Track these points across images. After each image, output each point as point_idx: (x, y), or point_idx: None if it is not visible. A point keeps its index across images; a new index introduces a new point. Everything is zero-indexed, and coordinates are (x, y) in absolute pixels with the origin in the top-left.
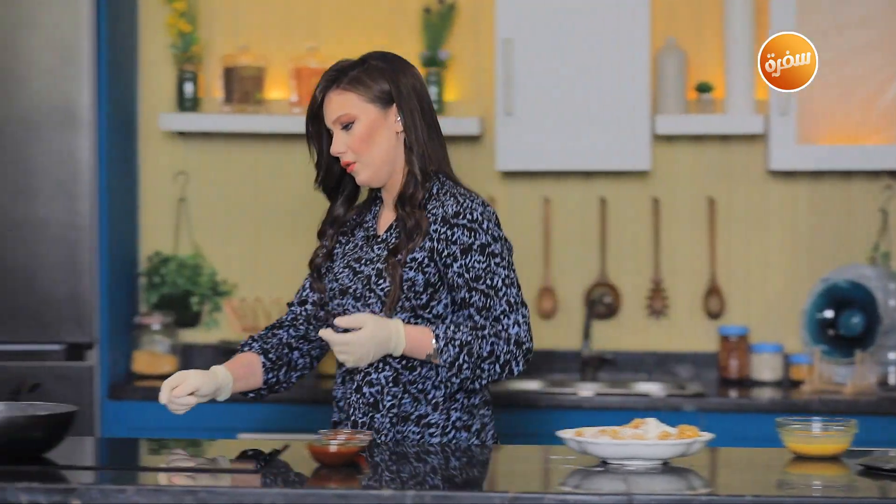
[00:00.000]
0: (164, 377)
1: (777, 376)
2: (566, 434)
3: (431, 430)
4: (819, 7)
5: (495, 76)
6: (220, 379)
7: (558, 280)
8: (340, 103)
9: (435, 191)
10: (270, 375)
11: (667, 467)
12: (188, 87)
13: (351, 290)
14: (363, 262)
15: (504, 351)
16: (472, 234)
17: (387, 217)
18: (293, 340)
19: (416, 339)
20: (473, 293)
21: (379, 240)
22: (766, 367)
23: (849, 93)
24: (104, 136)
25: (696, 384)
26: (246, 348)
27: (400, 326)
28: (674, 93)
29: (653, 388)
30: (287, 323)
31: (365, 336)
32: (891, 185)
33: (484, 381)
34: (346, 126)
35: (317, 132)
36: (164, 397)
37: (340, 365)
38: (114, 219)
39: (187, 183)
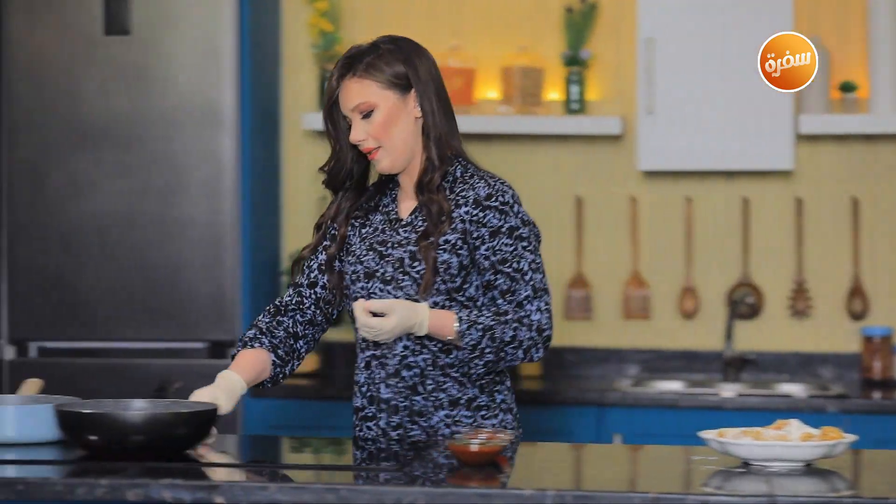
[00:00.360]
0: (307, 375)
1: None
2: (708, 435)
3: (483, 413)
4: None
5: (637, 75)
6: (239, 392)
7: (700, 280)
8: (359, 91)
9: (459, 174)
10: (278, 370)
11: (809, 469)
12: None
13: (378, 274)
14: (390, 245)
15: (527, 337)
16: (503, 216)
17: (407, 201)
18: (299, 327)
19: (438, 321)
20: (499, 276)
21: (403, 223)
22: None
23: None
24: (247, 136)
25: (839, 385)
26: (256, 344)
27: (426, 310)
28: (817, 92)
29: (795, 390)
30: (293, 307)
31: (393, 323)
32: None
33: (504, 366)
34: (366, 114)
35: (329, 121)
36: None
37: (364, 349)
38: (256, 217)
39: None
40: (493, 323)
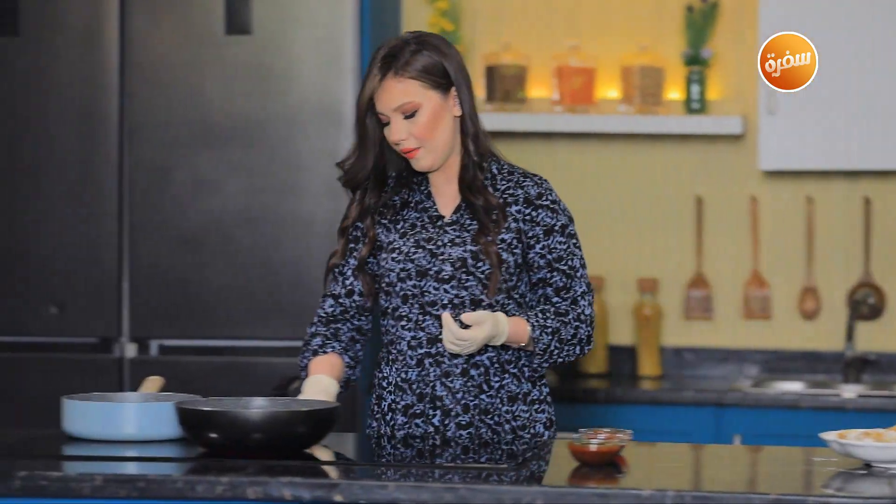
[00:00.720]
0: None
1: None
2: (829, 436)
3: (537, 407)
4: None
5: (758, 74)
6: (335, 394)
7: (821, 280)
8: (403, 91)
9: (496, 170)
10: (350, 373)
11: None
12: None
13: (433, 272)
14: (441, 243)
15: (584, 333)
16: (554, 215)
17: (445, 198)
18: (354, 333)
19: (515, 329)
20: (554, 273)
21: (448, 222)
22: None
23: None
24: None
25: None
26: (328, 349)
27: (506, 320)
28: None
29: None
30: (339, 317)
31: (484, 335)
32: None
33: (563, 362)
34: (409, 114)
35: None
36: None
37: (415, 347)
38: None
39: None
40: (558, 325)
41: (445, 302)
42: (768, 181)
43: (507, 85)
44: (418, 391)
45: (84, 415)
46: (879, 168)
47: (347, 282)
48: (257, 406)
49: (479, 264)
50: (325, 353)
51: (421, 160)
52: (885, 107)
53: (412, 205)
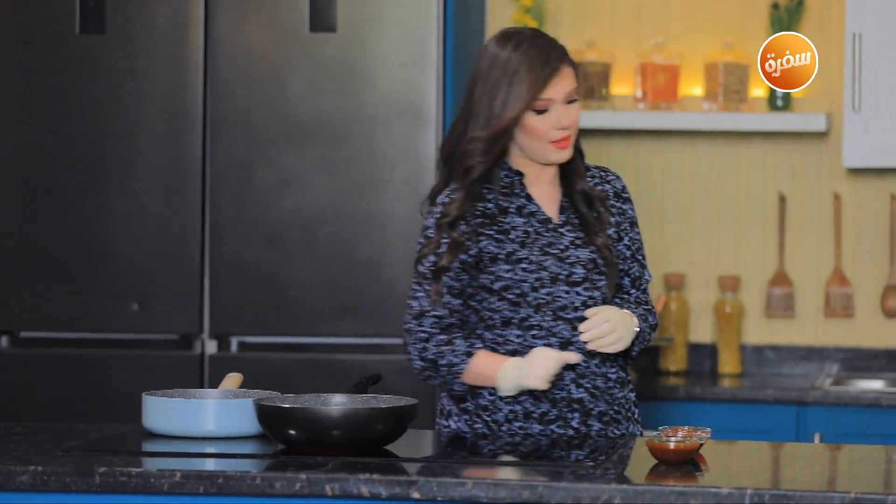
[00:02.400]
0: None
1: None
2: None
3: (630, 387)
4: None
5: (843, 71)
6: None
7: None
8: (572, 78)
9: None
10: None
11: None
12: None
13: (563, 277)
14: (563, 247)
15: (654, 320)
16: (633, 207)
17: (545, 199)
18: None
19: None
20: (633, 264)
21: (559, 224)
22: None
23: None
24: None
25: None
26: (479, 345)
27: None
28: None
29: None
30: (455, 324)
31: (614, 312)
32: None
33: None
34: (570, 100)
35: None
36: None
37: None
38: None
39: None
40: (643, 312)
41: (578, 304)
42: (852, 179)
43: (590, 82)
44: (552, 397)
45: (164, 411)
46: None
47: (445, 300)
48: (336, 403)
49: (605, 263)
50: (475, 348)
51: (570, 150)
52: None
53: (513, 210)
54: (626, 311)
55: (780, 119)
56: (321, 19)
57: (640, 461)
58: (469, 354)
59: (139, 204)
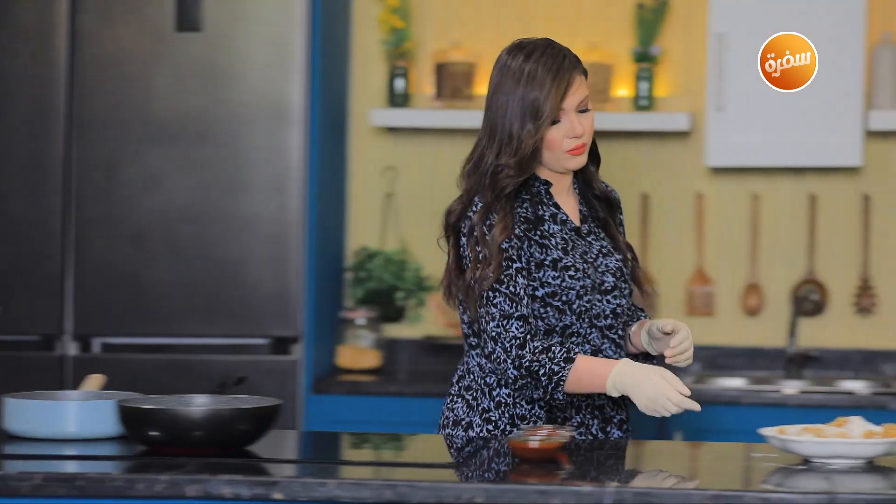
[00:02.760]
0: (367, 372)
1: None
2: (768, 432)
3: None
4: None
5: (707, 71)
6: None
7: (765, 277)
8: (584, 87)
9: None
10: None
11: (871, 467)
12: (399, 83)
13: (596, 285)
14: (593, 255)
15: None
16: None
17: (568, 207)
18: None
19: None
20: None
21: (585, 231)
22: None
23: None
24: (315, 132)
25: None
26: (576, 349)
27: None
28: (888, 88)
29: (858, 387)
30: (543, 335)
31: (688, 333)
32: None
33: None
34: (583, 109)
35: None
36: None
37: None
38: (322, 214)
39: (396, 178)
40: None
41: (608, 312)
42: (715, 178)
43: (456, 82)
44: (577, 403)
45: (24, 413)
46: (825, 165)
47: (525, 301)
48: (199, 404)
49: (627, 270)
50: (576, 353)
51: (584, 156)
52: (831, 104)
53: (548, 218)
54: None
55: (644, 119)
56: (187, 19)
57: (503, 460)
58: (569, 360)
59: (2, 203)
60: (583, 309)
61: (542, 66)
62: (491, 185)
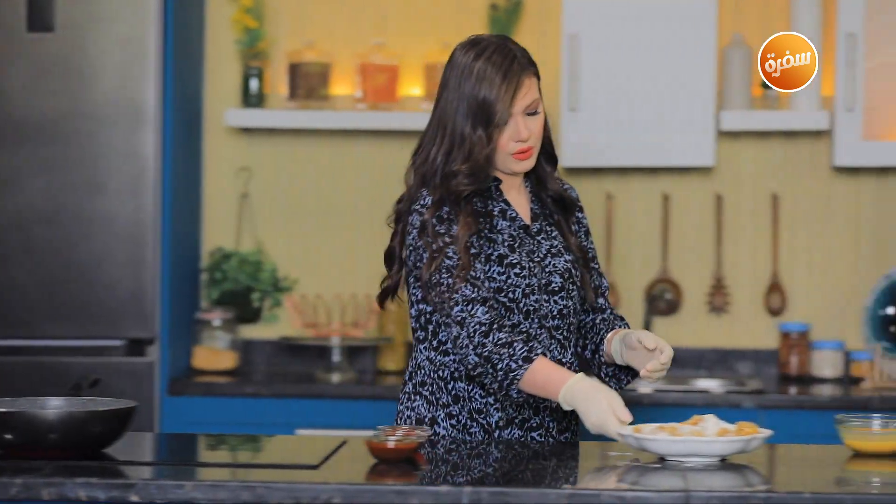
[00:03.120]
0: (224, 373)
1: (837, 373)
2: (625, 430)
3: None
4: (888, 4)
5: (560, 72)
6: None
7: (619, 276)
8: (534, 89)
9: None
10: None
11: (725, 464)
12: (253, 84)
13: (542, 284)
14: (541, 255)
15: None
16: (586, 217)
17: (518, 203)
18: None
19: None
20: (591, 273)
21: (535, 230)
22: (826, 364)
23: None
24: (169, 133)
25: (756, 381)
26: (539, 349)
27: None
28: (739, 89)
29: (712, 385)
30: (508, 327)
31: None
32: None
33: None
34: (532, 111)
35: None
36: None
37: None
38: (177, 215)
39: (250, 179)
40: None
41: (555, 313)
42: (569, 177)
43: (310, 82)
44: (535, 404)
45: None
46: (678, 165)
47: (487, 285)
48: (53, 406)
49: (577, 272)
50: (537, 355)
51: (532, 160)
52: (683, 105)
53: (497, 214)
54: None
55: None
56: (39, 19)
57: (361, 460)
58: (528, 360)
59: None
60: (531, 308)
61: (492, 65)
62: (444, 188)
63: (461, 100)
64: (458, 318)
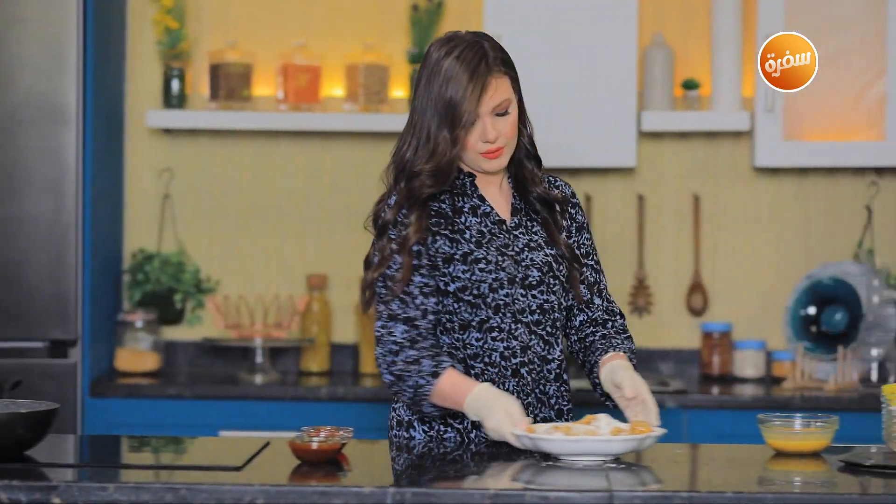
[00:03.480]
0: (146, 374)
1: (759, 373)
2: (519, 431)
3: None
4: (807, 5)
5: None
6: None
7: None
8: (504, 89)
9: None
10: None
11: (620, 463)
12: (175, 84)
13: (519, 279)
14: (518, 249)
15: (632, 344)
16: (582, 213)
17: (498, 201)
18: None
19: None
20: (585, 269)
21: (513, 225)
22: (748, 364)
23: (835, 90)
24: (90, 134)
25: (679, 381)
26: (446, 363)
27: (623, 363)
28: (660, 89)
29: None
30: (416, 339)
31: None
32: (876, 182)
33: None
34: (502, 112)
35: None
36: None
37: (508, 358)
38: (99, 216)
39: (172, 180)
40: (628, 343)
41: (534, 308)
42: None
43: (231, 83)
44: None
45: None
46: (600, 165)
47: (418, 301)
48: None
49: (560, 267)
50: (446, 366)
51: (502, 159)
52: (605, 106)
53: (468, 210)
54: (629, 365)
55: None
56: None
57: (284, 462)
58: (435, 375)
59: None
60: (501, 303)
61: (461, 64)
62: (408, 188)
63: (430, 98)
64: (377, 335)
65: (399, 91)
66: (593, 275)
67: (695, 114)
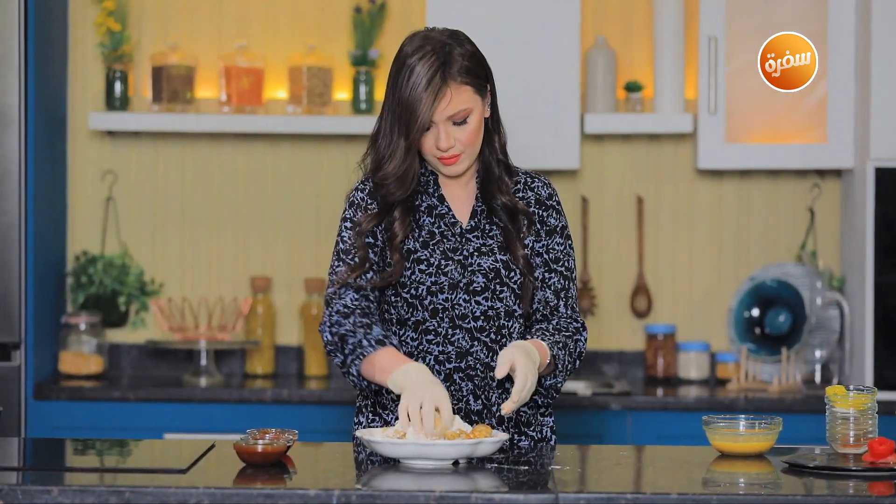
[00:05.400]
0: (90, 377)
1: (703, 375)
2: (361, 433)
3: (542, 410)
4: (748, 8)
5: None
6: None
7: None
8: (462, 98)
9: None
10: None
11: (460, 467)
12: (117, 87)
13: (463, 284)
14: (467, 253)
15: (583, 340)
16: (559, 216)
17: (459, 201)
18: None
19: (541, 352)
20: (553, 274)
21: (468, 228)
22: (692, 366)
23: (777, 92)
24: (32, 136)
25: (623, 383)
26: (394, 339)
27: (526, 342)
28: (603, 92)
29: (579, 387)
30: (373, 316)
31: (525, 367)
32: (818, 184)
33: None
34: (461, 121)
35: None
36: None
37: (444, 362)
38: (41, 218)
39: (115, 182)
40: (567, 341)
41: (478, 314)
42: None
43: (174, 85)
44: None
45: None
46: (543, 167)
47: (370, 275)
48: None
49: (512, 274)
50: (389, 343)
51: (459, 166)
52: (548, 108)
53: (424, 209)
54: (528, 345)
55: (363, 122)
56: None
57: (229, 464)
58: (381, 343)
59: None
60: (440, 307)
61: (423, 66)
62: (380, 195)
63: (392, 96)
64: (327, 298)
65: (342, 93)
66: (561, 281)
67: (638, 116)
